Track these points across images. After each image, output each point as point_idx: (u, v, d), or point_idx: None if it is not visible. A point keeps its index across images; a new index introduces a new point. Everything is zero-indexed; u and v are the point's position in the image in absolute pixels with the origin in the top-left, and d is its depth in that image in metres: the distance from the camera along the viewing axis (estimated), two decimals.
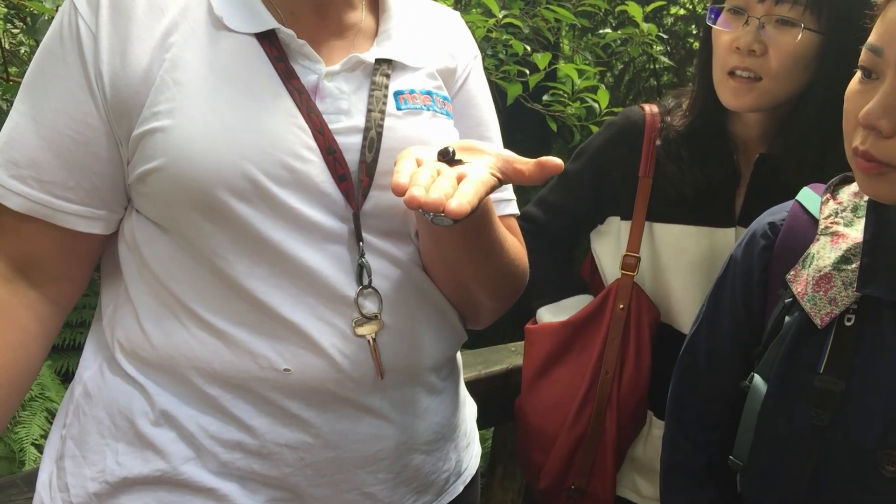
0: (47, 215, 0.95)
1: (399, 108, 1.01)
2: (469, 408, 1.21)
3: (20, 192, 0.94)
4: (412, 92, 1.03)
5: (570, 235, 1.65)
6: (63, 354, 2.29)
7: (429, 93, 1.05)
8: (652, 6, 2.41)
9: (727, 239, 1.45)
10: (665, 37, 2.76)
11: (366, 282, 0.96)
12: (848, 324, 1.01)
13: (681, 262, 1.48)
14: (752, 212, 1.43)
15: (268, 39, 0.97)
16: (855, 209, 1.07)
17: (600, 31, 2.54)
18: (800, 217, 1.12)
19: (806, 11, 1.30)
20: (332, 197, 0.95)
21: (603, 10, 2.72)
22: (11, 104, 2.01)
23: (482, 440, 1.41)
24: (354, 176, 0.96)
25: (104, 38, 0.92)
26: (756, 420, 1.06)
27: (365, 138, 0.97)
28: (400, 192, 0.79)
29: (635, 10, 2.16)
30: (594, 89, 2.17)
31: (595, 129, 2.22)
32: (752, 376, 1.08)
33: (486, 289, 1.06)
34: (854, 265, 1.01)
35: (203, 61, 0.93)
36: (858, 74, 0.96)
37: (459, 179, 0.82)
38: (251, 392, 0.94)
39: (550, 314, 1.58)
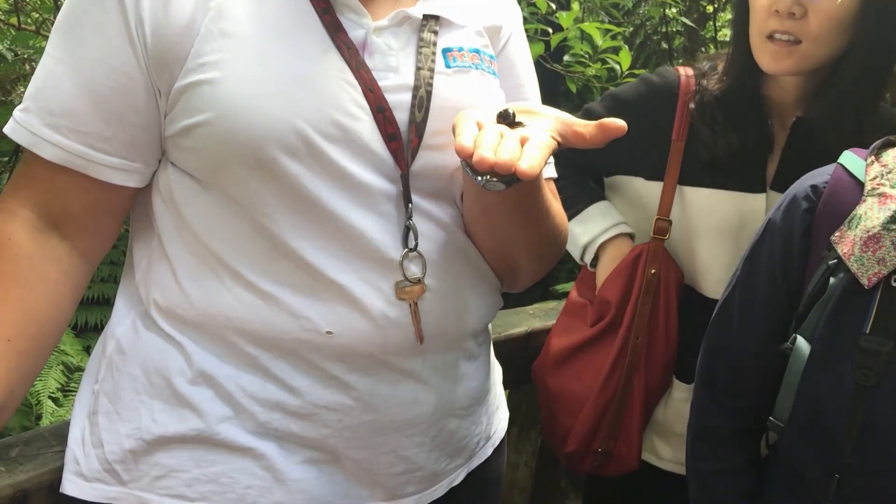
0: (82, 166, 0.92)
1: (448, 66, 0.98)
2: (497, 371, 1.21)
3: (55, 142, 0.91)
4: (461, 50, 1.00)
5: (586, 166, 1.62)
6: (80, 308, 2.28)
7: (476, 51, 1.02)
8: None
9: (757, 205, 1.44)
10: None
11: (412, 244, 0.95)
12: (895, 284, 1.01)
13: (709, 226, 1.47)
14: (786, 177, 1.42)
15: None
16: None
17: None
18: (844, 179, 1.12)
19: None
20: (381, 156, 0.93)
21: None
22: (16, 53, 1.98)
23: None
24: (404, 136, 0.94)
25: None
26: (799, 381, 1.06)
27: (414, 97, 0.95)
28: (465, 154, 0.78)
29: None
30: (616, 50, 2.13)
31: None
32: (795, 338, 1.08)
33: (530, 253, 1.05)
34: None
35: (250, 12, 0.90)
36: None
37: (522, 142, 0.81)
38: (292, 353, 0.93)
39: (580, 226, 1.56)
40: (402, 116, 0.94)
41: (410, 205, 0.95)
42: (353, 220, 0.92)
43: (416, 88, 0.95)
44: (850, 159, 1.14)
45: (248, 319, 0.93)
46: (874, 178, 1.08)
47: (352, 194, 0.92)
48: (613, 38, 2.11)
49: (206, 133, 0.89)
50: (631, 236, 1.54)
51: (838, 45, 1.33)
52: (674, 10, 2.50)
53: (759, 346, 1.18)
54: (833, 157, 1.21)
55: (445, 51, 0.99)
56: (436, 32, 0.99)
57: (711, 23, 4.61)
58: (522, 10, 2.10)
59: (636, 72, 2.17)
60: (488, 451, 1.14)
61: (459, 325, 1.02)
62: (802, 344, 1.07)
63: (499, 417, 1.17)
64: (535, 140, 0.81)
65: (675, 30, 2.95)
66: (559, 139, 0.86)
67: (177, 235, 0.96)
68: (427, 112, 0.95)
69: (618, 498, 1.66)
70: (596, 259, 1.57)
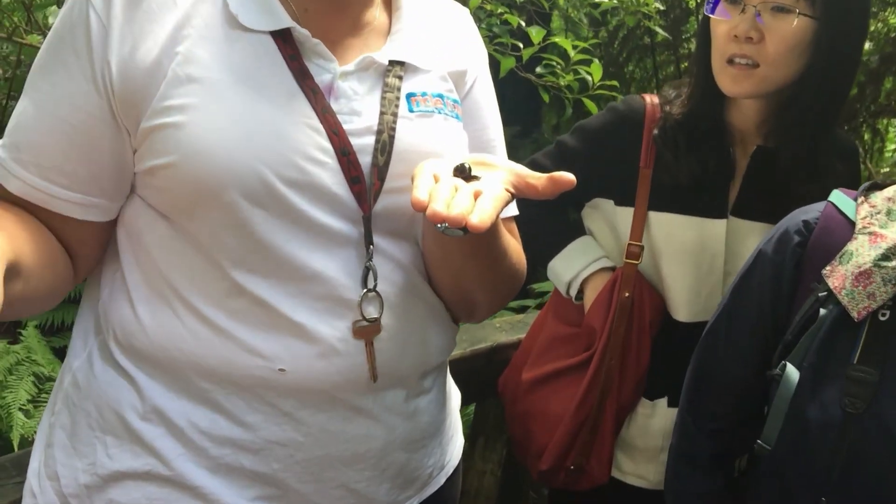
0: (43, 200, 0.94)
1: (411, 111, 1.00)
2: (454, 399, 1.24)
3: (19, 176, 0.93)
4: (424, 94, 1.02)
5: (560, 200, 1.65)
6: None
7: (440, 95, 1.04)
8: None
9: (717, 230, 1.48)
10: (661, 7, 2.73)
11: (371, 285, 0.97)
12: (882, 318, 1.07)
13: (671, 250, 1.51)
14: (746, 204, 1.47)
15: (282, 37, 0.95)
16: (889, 213, 1.13)
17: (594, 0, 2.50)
18: (834, 216, 1.18)
19: None
20: (344, 199, 0.95)
21: None
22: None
23: (464, 412, 1.43)
24: (367, 178, 0.96)
25: (115, 29, 0.90)
26: (788, 406, 1.11)
27: (377, 141, 0.97)
28: (420, 207, 0.80)
29: None
30: (588, 62, 2.15)
31: (588, 101, 2.21)
32: (785, 365, 1.13)
33: (487, 291, 1.08)
34: (894, 262, 1.07)
35: (217, 58, 0.92)
36: None
37: (476, 195, 0.83)
38: (245, 389, 0.95)
39: (562, 264, 1.60)
40: (365, 160, 0.96)
41: (371, 246, 0.97)
42: (312, 262, 0.94)
43: (379, 132, 0.97)
44: (840, 199, 1.20)
45: (202, 354, 0.95)
46: (865, 218, 1.14)
47: (311, 237, 0.94)
48: (585, 51, 2.13)
49: (170, 175, 0.91)
50: (612, 269, 1.58)
51: (795, 68, 1.38)
52: (654, 6, 2.51)
53: (745, 372, 1.23)
54: (791, 184, 1.26)
55: (409, 95, 1.01)
56: (400, 77, 1.01)
57: (694, 17, 4.63)
58: (494, 25, 2.13)
59: (608, 83, 2.20)
60: (441, 480, 1.16)
61: (413, 364, 1.04)
62: (792, 371, 1.12)
63: (453, 446, 1.20)
64: (488, 193, 0.83)
65: (656, 25, 2.97)
66: (512, 191, 0.89)
67: (136, 265, 0.97)
68: (389, 156, 0.97)
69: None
70: (581, 293, 1.60)
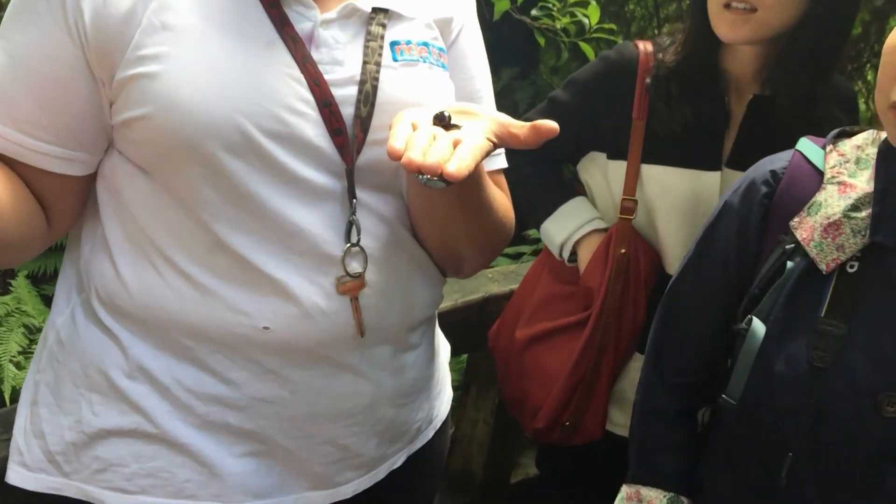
0: (18, 154, 0.91)
1: (395, 60, 0.97)
2: (443, 353, 1.23)
3: None
4: (408, 43, 0.99)
5: (556, 157, 1.63)
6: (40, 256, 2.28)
7: (425, 44, 1.01)
8: None
9: (712, 182, 1.45)
10: None
11: (354, 240, 0.95)
12: (851, 270, 1.05)
13: (665, 204, 1.49)
14: (741, 155, 1.44)
15: None
16: (857, 161, 1.10)
17: None
18: (802, 166, 1.14)
19: None
20: (326, 152, 0.93)
21: None
22: None
23: (456, 361, 1.43)
24: (349, 130, 0.94)
25: None
26: (754, 360, 1.10)
27: (360, 91, 0.94)
28: (396, 156, 0.78)
29: None
30: (585, 4, 2.09)
31: (584, 45, 2.16)
32: (751, 318, 1.11)
33: (473, 245, 1.06)
34: (864, 213, 1.04)
35: (193, 5, 0.89)
36: None
37: (455, 144, 0.81)
38: (229, 347, 0.95)
39: (554, 225, 1.58)
40: (347, 111, 0.94)
41: (355, 200, 0.95)
42: (294, 217, 0.92)
43: (361, 83, 0.94)
44: (808, 147, 1.16)
45: (184, 312, 0.94)
46: (833, 167, 1.11)
47: (293, 191, 0.92)
48: None
49: (146, 127, 0.89)
50: (605, 230, 1.55)
51: (793, 13, 1.33)
52: None
53: (709, 326, 1.21)
54: (789, 134, 1.23)
55: (393, 44, 0.98)
56: (384, 25, 0.98)
57: None
58: None
59: (605, 26, 2.14)
60: (429, 434, 1.16)
61: (400, 319, 1.03)
62: (758, 325, 1.10)
63: (441, 401, 1.20)
64: (467, 142, 0.81)
65: None
66: (495, 140, 0.86)
67: (117, 222, 0.96)
68: (373, 107, 0.95)
69: (570, 456, 1.72)
70: (574, 255, 1.58)
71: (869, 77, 4.34)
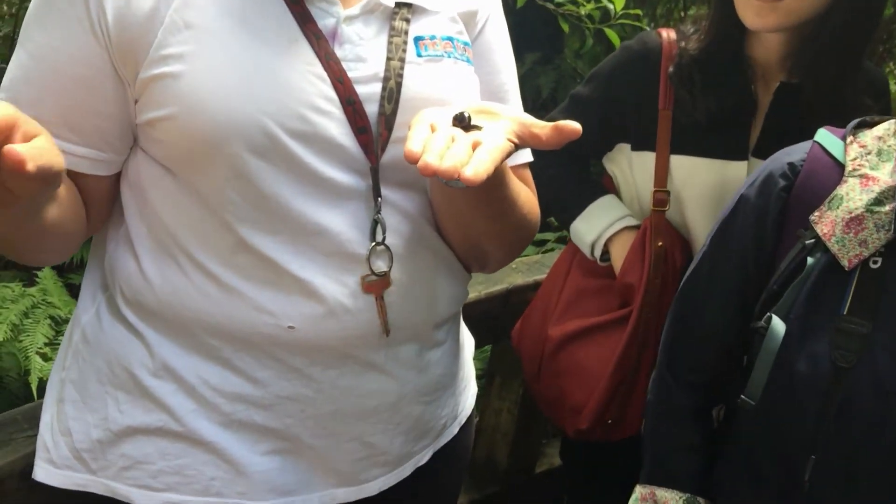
0: None
1: (419, 55, 0.96)
2: (468, 348, 1.22)
3: None
4: (433, 38, 0.97)
5: (582, 154, 1.61)
6: None
7: (450, 38, 0.99)
8: None
9: (738, 172, 1.42)
10: None
11: (379, 238, 0.94)
12: (874, 266, 1.02)
13: (692, 195, 1.46)
14: (768, 144, 1.40)
15: None
16: (879, 153, 1.07)
17: None
18: (821, 158, 1.11)
19: None
20: (350, 150, 0.92)
21: None
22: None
23: (480, 352, 1.41)
24: (374, 128, 0.93)
25: None
26: (773, 360, 1.06)
27: (384, 88, 0.93)
28: (413, 159, 0.76)
29: None
30: None
31: (610, 32, 2.12)
32: (770, 317, 1.07)
33: (497, 241, 1.05)
34: (888, 207, 1.01)
35: (215, 3, 0.88)
36: None
37: (475, 146, 0.79)
38: (254, 346, 0.94)
39: (584, 225, 1.56)
40: (371, 108, 0.93)
41: (380, 198, 0.94)
42: (319, 217, 0.91)
43: (385, 80, 0.93)
44: (827, 138, 1.13)
45: (209, 311, 0.93)
46: (854, 159, 1.07)
47: (318, 191, 0.91)
48: None
49: (170, 127, 0.88)
50: (637, 227, 1.53)
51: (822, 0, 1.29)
52: None
53: (725, 322, 1.18)
54: (817, 122, 1.19)
55: (417, 39, 0.96)
56: (408, 20, 0.96)
57: None
58: None
59: (631, 12, 2.10)
60: (454, 429, 1.16)
61: (425, 317, 1.03)
62: (778, 323, 1.07)
63: (466, 396, 1.19)
64: (487, 144, 0.79)
65: None
66: (516, 141, 0.84)
67: (141, 220, 0.95)
68: (397, 104, 0.94)
69: (594, 448, 1.70)
70: (606, 254, 1.56)
71: None
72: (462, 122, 0.84)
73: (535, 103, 4.07)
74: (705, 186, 1.44)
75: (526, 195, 1.06)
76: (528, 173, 1.12)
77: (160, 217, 0.94)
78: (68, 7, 0.87)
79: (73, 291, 2.07)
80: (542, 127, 0.85)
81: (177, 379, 0.96)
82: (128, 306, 0.97)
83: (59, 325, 1.74)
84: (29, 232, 0.87)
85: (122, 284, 0.97)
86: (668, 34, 1.46)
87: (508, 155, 0.83)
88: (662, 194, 1.47)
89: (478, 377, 1.26)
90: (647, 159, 1.48)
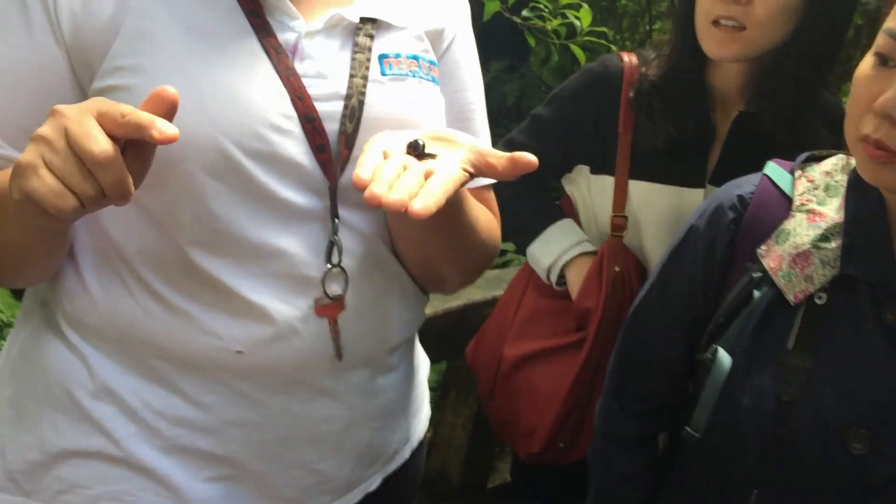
0: (4, 167, 0.87)
1: (384, 74, 0.94)
2: (422, 371, 1.20)
3: None
4: (398, 56, 0.95)
5: (540, 175, 1.61)
6: None
7: (415, 57, 0.97)
8: None
9: (695, 199, 1.43)
10: None
11: (335, 260, 0.92)
12: (819, 302, 1.02)
13: (650, 221, 1.46)
14: (726, 172, 1.40)
15: None
16: (827, 188, 1.07)
17: None
18: (770, 191, 1.11)
19: None
20: (308, 170, 0.89)
21: None
22: None
23: (436, 367, 1.40)
24: (333, 147, 0.90)
25: None
26: (719, 393, 1.06)
27: (346, 106, 0.91)
28: (361, 187, 0.74)
29: None
30: (577, 6, 2.06)
31: (575, 48, 2.13)
32: (716, 349, 1.08)
33: (455, 265, 1.03)
34: (834, 244, 1.01)
35: (172, 14, 0.85)
36: (871, 59, 0.92)
37: (427, 175, 0.77)
38: (200, 369, 0.92)
39: (540, 248, 1.55)
40: (332, 127, 0.90)
41: (337, 219, 0.92)
42: (274, 240, 0.89)
43: (347, 97, 0.91)
44: (776, 171, 1.13)
45: (154, 332, 0.90)
46: (802, 194, 1.08)
47: (274, 213, 0.89)
48: None
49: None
50: (594, 253, 1.52)
51: (783, 31, 1.31)
52: None
53: (673, 350, 1.18)
54: (775, 152, 1.20)
55: (382, 57, 0.94)
56: (372, 36, 0.94)
57: None
58: None
59: (597, 29, 2.11)
60: (406, 454, 1.14)
61: (379, 342, 1.01)
62: (724, 356, 1.07)
63: (418, 420, 1.17)
64: (440, 174, 0.77)
65: None
66: (471, 170, 0.82)
67: (87, 235, 0.92)
68: (359, 122, 0.91)
69: (544, 467, 1.70)
70: (562, 278, 1.55)
71: None
72: (416, 150, 0.82)
73: (500, 111, 4.08)
74: (662, 212, 1.45)
75: (486, 219, 1.04)
76: (490, 195, 1.11)
77: (107, 233, 0.90)
78: (27, 15, 0.85)
79: (18, 294, 2.01)
80: (497, 157, 0.83)
81: (117, 401, 0.93)
82: (68, 323, 0.94)
83: (1, 329, 1.69)
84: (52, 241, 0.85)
85: (64, 300, 0.93)
86: (629, 58, 1.46)
87: (462, 184, 0.81)
88: (620, 219, 1.47)
89: (432, 390, 1.24)
90: (606, 183, 1.47)
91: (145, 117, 0.69)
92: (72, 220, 0.76)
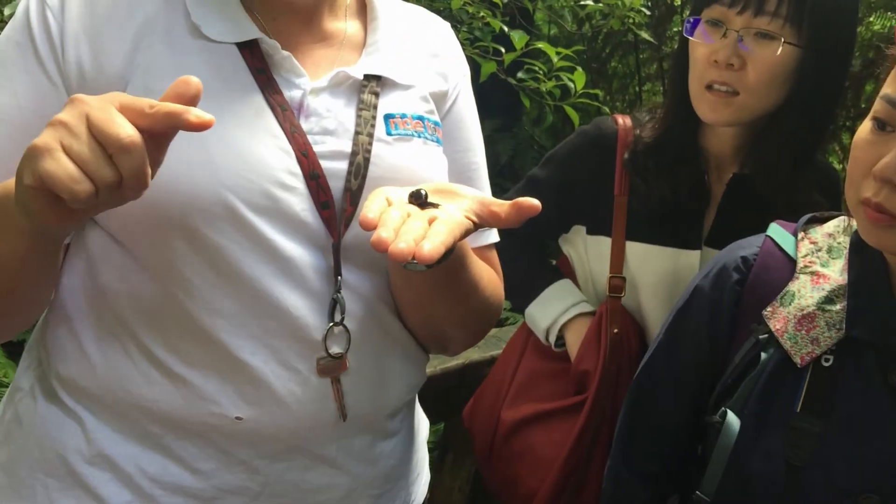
0: None
1: (389, 133, 0.94)
2: (422, 432, 1.19)
3: None
4: (403, 116, 0.96)
5: (538, 236, 1.61)
6: None
7: (420, 118, 0.98)
8: None
9: (691, 261, 1.43)
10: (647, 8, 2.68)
11: (337, 319, 0.91)
12: (826, 364, 1.01)
13: (647, 282, 1.46)
14: (721, 234, 1.42)
15: (249, 49, 0.89)
16: (830, 250, 1.08)
17: (581, 3, 2.44)
18: (774, 253, 1.11)
19: (786, 25, 1.27)
20: (312, 226, 0.89)
21: None
22: None
23: (434, 428, 1.37)
24: (338, 204, 0.90)
25: (71, 34, 0.85)
26: (728, 456, 1.05)
27: (351, 164, 0.91)
28: (369, 227, 0.72)
29: None
30: (571, 69, 2.10)
31: (570, 110, 2.16)
32: (725, 412, 1.07)
33: (459, 326, 1.03)
34: (839, 306, 1.01)
35: (179, 71, 0.84)
36: (870, 124, 0.94)
37: (431, 222, 0.76)
38: (198, 435, 0.90)
39: (538, 310, 1.55)
40: (336, 184, 0.90)
41: (340, 277, 0.91)
42: (277, 296, 0.88)
43: (353, 154, 0.91)
44: (779, 233, 1.14)
45: (153, 398, 0.89)
46: (806, 256, 1.08)
47: (278, 269, 0.88)
48: (568, 58, 2.08)
49: None
50: (592, 314, 1.52)
51: (776, 97, 1.33)
52: (638, 19, 2.46)
53: (680, 414, 1.17)
54: (770, 214, 1.21)
55: (387, 117, 0.95)
56: (377, 94, 0.95)
57: (678, 16, 4.59)
58: (476, 28, 2.07)
59: (591, 91, 2.15)
60: None
61: (379, 405, 0.99)
62: (732, 418, 1.06)
63: (419, 484, 1.15)
64: (445, 220, 0.76)
65: (642, 21, 2.92)
66: (474, 219, 0.81)
67: (83, 297, 0.91)
68: (364, 179, 0.91)
69: None
70: (560, 339, 1.55)
71: (845, 140, 4.40)
72: (419, 199, 0.81)
73: (494, 170, 4.12)
74: (659, 274, 1.44)
75: (489, 277, 1.04)
76: (493, 255, 1.10)
77: (106, 294, 0.89)
78: (36, 67, 0.86)
79: (12, 353, 1.98)
80: (500, 205, 0.83)
81: (113, 467, 0.91)
82: (63, 387, 0.92)
83: None
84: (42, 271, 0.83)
85: (58, 364, 0.92)
86: (623, 120, 1.48)
87: (467, 233, 0.80)
88: (618, 280, 1.47)
89: (430, 450, 1.21)
90: (603, 244, 1.48)
91: (176, 106, 0.67)
92: (79, 218, 0.72)
